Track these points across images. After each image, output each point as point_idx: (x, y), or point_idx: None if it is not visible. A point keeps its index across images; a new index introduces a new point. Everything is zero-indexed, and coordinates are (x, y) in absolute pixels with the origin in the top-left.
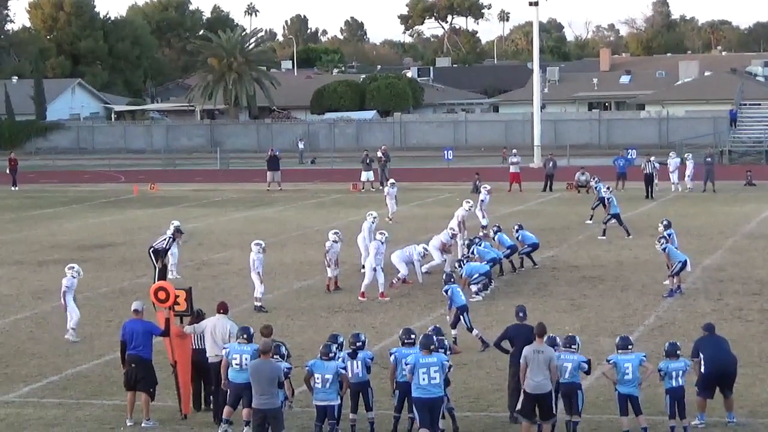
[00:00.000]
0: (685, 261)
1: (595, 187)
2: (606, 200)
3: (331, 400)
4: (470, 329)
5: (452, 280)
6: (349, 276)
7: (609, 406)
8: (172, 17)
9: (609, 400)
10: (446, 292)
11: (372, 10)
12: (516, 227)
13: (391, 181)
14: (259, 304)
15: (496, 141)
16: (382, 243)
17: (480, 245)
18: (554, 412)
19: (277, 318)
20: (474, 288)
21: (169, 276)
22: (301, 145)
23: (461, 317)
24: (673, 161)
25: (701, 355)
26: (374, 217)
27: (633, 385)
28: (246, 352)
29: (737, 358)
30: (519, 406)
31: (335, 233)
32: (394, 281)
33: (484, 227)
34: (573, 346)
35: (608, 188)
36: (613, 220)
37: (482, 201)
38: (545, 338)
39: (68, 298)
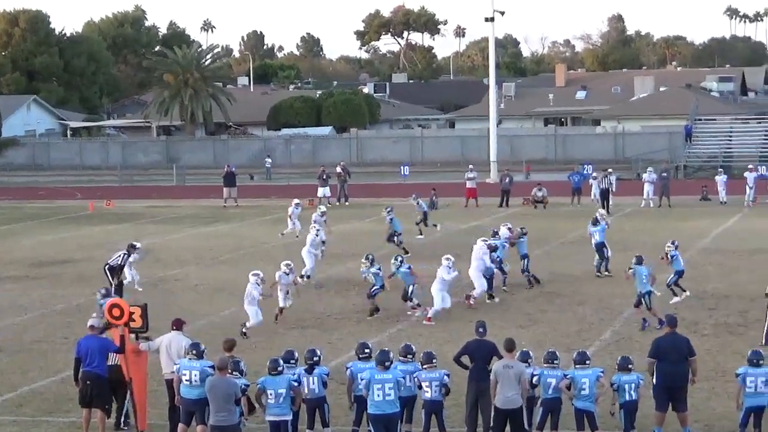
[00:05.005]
0: (650, 292)
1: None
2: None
3: (285, 414)
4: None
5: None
6: (305, 290)
7: (566, 421)
8: (128, 33)
9: (566, 414)
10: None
11: (328, 26)
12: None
13: (296, 201)
14: (245, 330)
15: (453, 157)
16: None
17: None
18: (526, 427)
19: (232, 335)
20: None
21: (138, 289)
22: (268, 162)
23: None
24: (649, 176)
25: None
26: (317, 230)
27: (590, 400)
28: (195, 369)
29: (689, 369)
30: (492, 422)
31: (287, 264)
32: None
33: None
34: (555, 362)
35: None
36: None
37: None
38: (516, 354)
39: None
